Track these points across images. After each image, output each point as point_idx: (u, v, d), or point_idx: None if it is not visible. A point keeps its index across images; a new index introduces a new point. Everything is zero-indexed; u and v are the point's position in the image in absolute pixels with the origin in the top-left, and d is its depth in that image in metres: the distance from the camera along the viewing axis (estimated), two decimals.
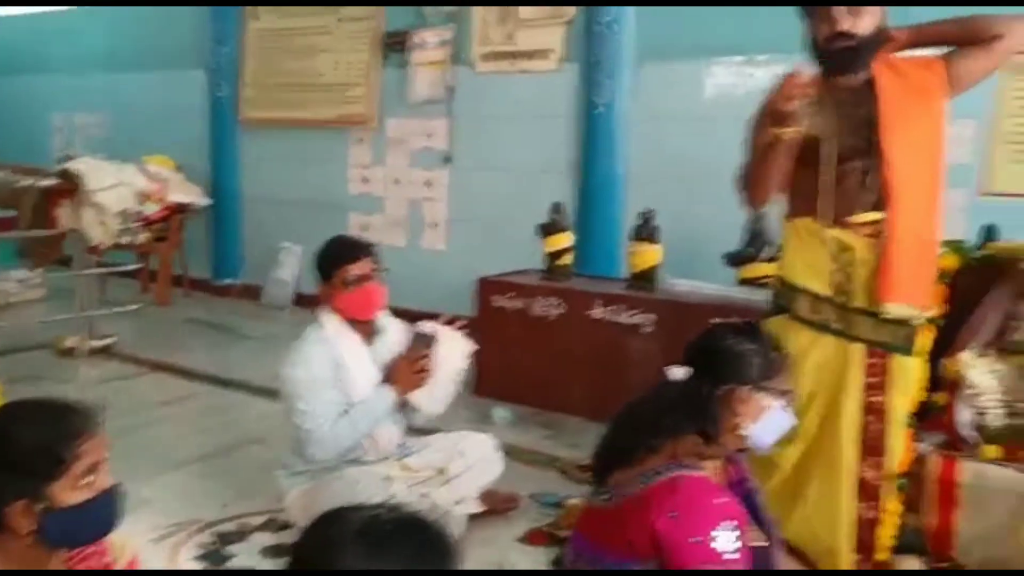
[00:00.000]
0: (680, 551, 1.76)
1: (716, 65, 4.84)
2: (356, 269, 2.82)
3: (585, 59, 5.15)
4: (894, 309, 2.40)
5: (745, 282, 4.17)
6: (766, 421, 1.88)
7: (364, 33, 6.10)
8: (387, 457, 2.94)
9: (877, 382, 2.49)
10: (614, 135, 5.10)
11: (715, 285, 4.17)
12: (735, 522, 1.78)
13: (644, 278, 4.31)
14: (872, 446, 2.51)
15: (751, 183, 2.53)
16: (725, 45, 4.76)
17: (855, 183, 2.44)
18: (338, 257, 2.84)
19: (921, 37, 2.49)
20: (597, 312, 4.27)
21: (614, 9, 5.02)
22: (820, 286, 2.50)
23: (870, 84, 2.45)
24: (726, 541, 1.75)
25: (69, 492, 1.52)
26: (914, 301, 2.42)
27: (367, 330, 2.91)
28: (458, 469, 3.00)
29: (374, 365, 2.88)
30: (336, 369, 2.80)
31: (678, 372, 1.94)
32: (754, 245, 4.14)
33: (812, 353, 2.51)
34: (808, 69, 2.41)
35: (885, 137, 2.39)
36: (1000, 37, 2.35)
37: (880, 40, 2.44)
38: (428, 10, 5.77)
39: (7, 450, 1.51)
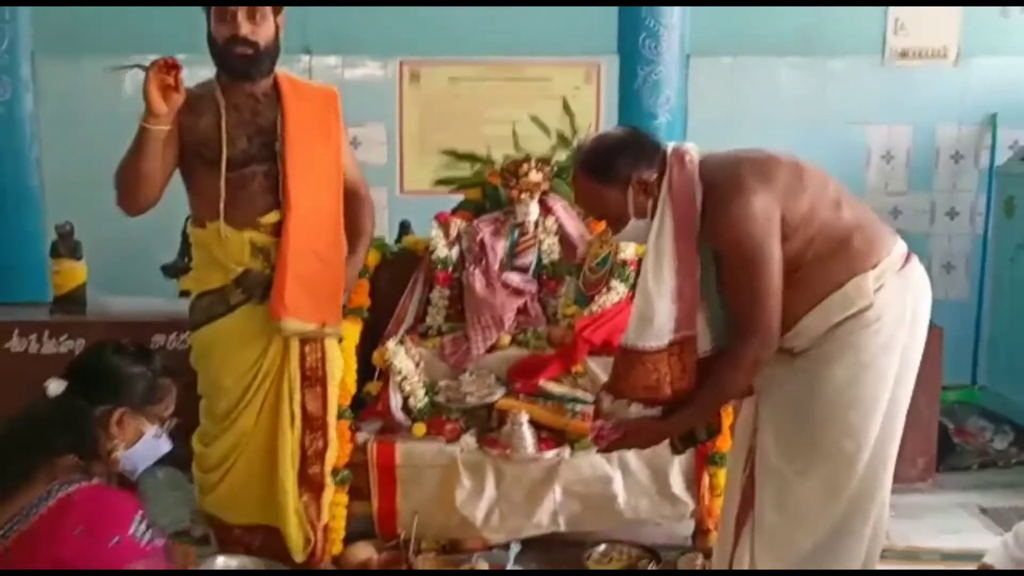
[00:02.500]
0: (101, 561, 1.62)
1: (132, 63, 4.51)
2: None
3: None
4: (291, 325, 2.42)
5: (186, 293, 3.97)
6: (140, 446, 1.82)
7: None
8: None
9: (316, 372, 2.55)
10: (20, 139, 4.47)
11: (153, 299, 3.92)
12: (141, 511, 1.70)
13: (71, 300, 3.87)
14: (315, 435, 2.57)
15: (122, 181, 2.37)
16: (138, 42, 4.45)
17: (258, 187, 2.44)
18: None
19: None
20: (16, 344, 3.72)
21: None
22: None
23: (270, 95, 2.47)
24: (142, 531, 1.67)
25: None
26: (312, 317, 2.46)
27: None
28: None
29: None
30: None
31: (55, 386, 1.77)
32: (191, 254, 3.97)
33: (247, 348, 2.48)
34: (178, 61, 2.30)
35: (288, 156, 2.42)
36: None
37: (278, 48, 2.46)
38: None
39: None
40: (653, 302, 1.94)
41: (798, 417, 1.99)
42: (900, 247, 2.01)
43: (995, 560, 2.31)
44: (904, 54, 4.39)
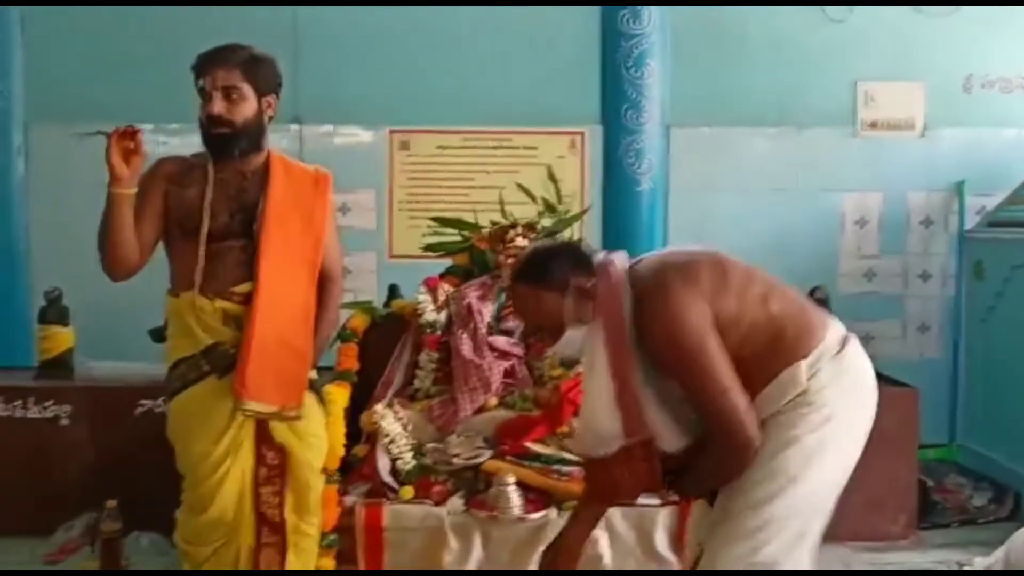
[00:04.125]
0: None
1: None
2: None
3: None
4: (253, 406, 2.41)
5: None
6: None
7: None
8: None
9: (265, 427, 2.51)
10: (9, 205, 4.54)
11: (140, 364, 3.92)
12: None
13: (57, 365, 3.89)
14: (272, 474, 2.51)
15: (100, 247, 2.39)
16: (133, 111, 4.55)
17: (234, 260, 2.45)
18: None
19: None
20: (1, 410, 3.71)
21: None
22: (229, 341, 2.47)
23: (259, 173, 2.49)
24: None
25: None
26: (273, 401, 2.43)
27: None
28: None
29: None
30: None
31: None
32: None
33: (216, 417, 2.44)
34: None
35: (264, 236, 2.43)
36: None
37: (261, 128, 2.47)
38: None
39: None
40: (595, 410, 2.00)
41: (729, 487, 2.00)
42: (835, 332, 2.03)
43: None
44: (874, 125, 4.58)
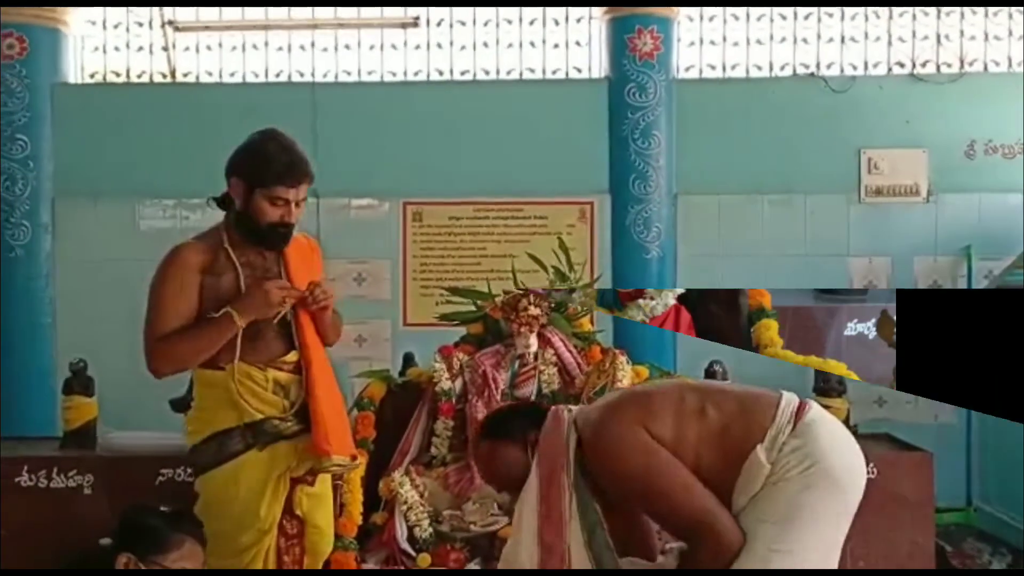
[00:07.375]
0: None
1: (148, 207, 4.76)
2: None
3: None
4: (338, 460, 2.52)
5: None
6: None
7: None
8: None
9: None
10: (36, 279, 4.66)
11: (162, 434, 3.98)
12: None
13: (81, 435, 3.93)
14: (290, 542, 2.60)
15: (176, 355, 2.50)
16: (156, 186, 4.72)
17: (273, 332, 2.55)
18: None
19: None
20: (25, 480, 3.76)
21: (24, 141, 4.67)
22: (278, 413, 2.54)
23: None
24: None
25: None
26: (344, 452, 2.55)
27: None
28: None
29: None
30: None
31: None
32: None
33: (262, 490, 2.51)
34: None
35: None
36: None
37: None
38: None
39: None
40: (518, 550, 2.15)
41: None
42: (786, 406, 2.10)
43: None
44: (878, 191, 4.67)
